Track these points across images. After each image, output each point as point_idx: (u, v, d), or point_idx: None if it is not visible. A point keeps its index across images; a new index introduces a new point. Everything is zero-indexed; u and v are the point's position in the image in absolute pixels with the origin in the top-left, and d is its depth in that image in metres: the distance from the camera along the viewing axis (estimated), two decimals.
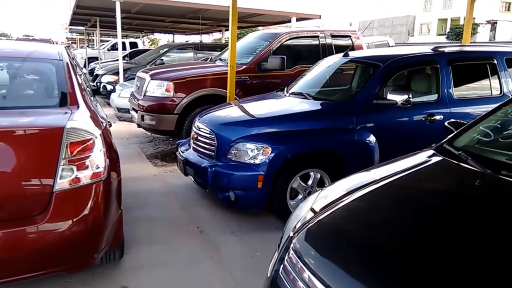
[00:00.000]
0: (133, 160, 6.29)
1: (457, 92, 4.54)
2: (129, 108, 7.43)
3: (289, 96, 4.93)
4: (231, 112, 4.82)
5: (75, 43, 41.09)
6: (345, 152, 4.04)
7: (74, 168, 2.52)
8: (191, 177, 4.45)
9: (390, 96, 4.15)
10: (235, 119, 4.47)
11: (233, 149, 3.94)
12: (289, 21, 15.02)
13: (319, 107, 4.43)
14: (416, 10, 58.94)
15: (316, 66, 5.55)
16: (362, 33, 8.43)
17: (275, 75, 6.77)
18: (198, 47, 12.29)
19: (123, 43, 19.12)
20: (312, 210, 2.10)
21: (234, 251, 3.54)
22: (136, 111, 6.74)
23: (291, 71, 6.86)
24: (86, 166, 2.57)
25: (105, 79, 11.92)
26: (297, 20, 14.86)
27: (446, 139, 2.61)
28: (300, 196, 4.00)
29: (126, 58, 14.54)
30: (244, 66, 6.74)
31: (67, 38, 41.58)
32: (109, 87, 11.31)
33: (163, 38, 38.17)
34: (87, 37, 28.53)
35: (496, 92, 4.72)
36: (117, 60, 12.64)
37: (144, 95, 6.60)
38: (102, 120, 3.20)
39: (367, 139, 4.08)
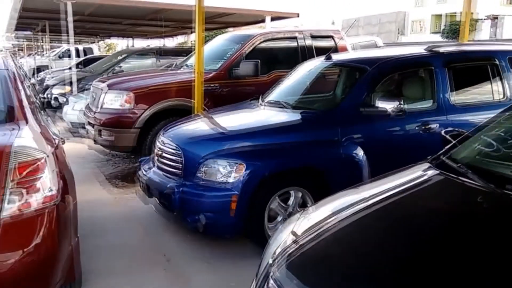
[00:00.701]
0: (90, 181, 6.22)
1: (455, 97, 4.52)
2: (84, 122, 7.35)
3: (265, 105, 4.93)
4: (199, 125, 4.83)
5: (22, 50, 40.43)
6: (329, 168, 4.02)
7: (24, 191, 2.50)
8: (156, 199, 4.41)
9: (380, 104, 4.14)
10: (205, 133, 4.48)
11: (203, 167, 3.91)
12: (263, 20, 15.12)
13: (299, 117, 4.41)
14: (407, 5, 57.32)
15: (294, 71, 5.57)
16: (346, 32, 8.51)
17: (249, 82, 6.78)
18: (161, 52, 12.34)
19: (76, 49, 18.99)
20: (294, 233, 2.09)
21: (206, 281, 3.54)
22: (93, 126, 6.67)
23: (267, 77, 6.88)
24: (37, 189, 2.55)
25: (57, 90, 11.85)
26: (272, 19, 14.97)
27: (443, 150, 2.57)
28: (279, 218, 3.97)
29: (79, 66, 14.45)
30: (213, 73, 6.73)
31: (12, 44, 40.86)
32: (61, 99, 11.24)
33: (121, 43, 37.95)
34: (35, 43, 28.17)
35: (498, 96, 4.70)
36: (70, 68, 12.55)
37: (101, 108, 6.55)
38: (54, 137, 3.19)
39: (354, 152, 4.08)
